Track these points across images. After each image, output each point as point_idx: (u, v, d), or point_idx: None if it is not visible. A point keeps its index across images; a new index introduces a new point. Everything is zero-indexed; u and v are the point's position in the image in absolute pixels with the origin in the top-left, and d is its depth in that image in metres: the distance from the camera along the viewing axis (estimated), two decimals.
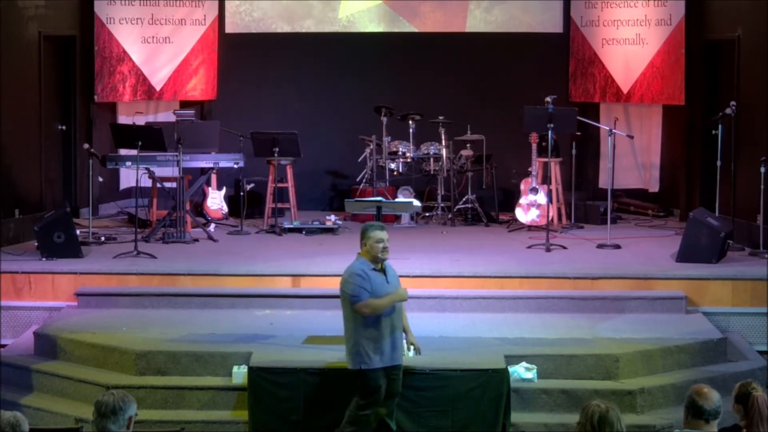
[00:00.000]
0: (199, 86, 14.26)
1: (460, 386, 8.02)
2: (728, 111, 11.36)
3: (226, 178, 13.20)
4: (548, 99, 11.97)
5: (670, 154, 13.75)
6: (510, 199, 13.55)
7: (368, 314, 7.35)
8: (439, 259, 10.69)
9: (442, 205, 13.27)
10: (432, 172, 13.23)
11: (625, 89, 13.76)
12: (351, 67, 14.48)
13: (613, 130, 11.94)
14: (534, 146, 12.53)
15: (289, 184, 12.73)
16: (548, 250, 11.21)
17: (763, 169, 10.77)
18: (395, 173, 13.26)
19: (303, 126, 13.31)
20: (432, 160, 13.13)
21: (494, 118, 13.74)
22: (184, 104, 14.18)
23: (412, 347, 7.86)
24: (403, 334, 7.74)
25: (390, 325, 7.44)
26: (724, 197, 11.54)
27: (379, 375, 7.47)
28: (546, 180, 12.54)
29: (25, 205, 11.89)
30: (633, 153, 13.95)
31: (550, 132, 11.92)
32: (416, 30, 14.54)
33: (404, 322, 7.73)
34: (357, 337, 7.44)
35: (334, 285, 9.95)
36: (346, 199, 9.30)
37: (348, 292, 7.40)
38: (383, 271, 7.51)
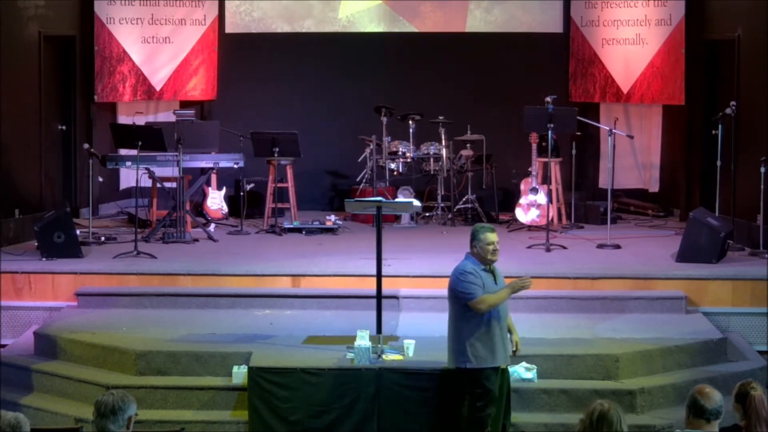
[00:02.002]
0: (199, 86, 14.26)
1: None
2: (728, 111, 11.36)
3: (226, 178, 13.19)
4: (548, 99, 11.97)
5: (670, 154, 13.74)
6: (510, 199, 13.54)
7: (484, 310, 7.29)
8: (439, 259, 10.68)
9: (442, 205, 13.26)
10: (432, 172, 13.23)
11: (625, 89, 13.76)
12: (351, 67, 14.48)
13: (613, 130, 11.94)
14: (534, 146, 12.52)
15: (289, 184, 12.73)
16: (548, 250, 11.21)
17: (763, 169, 10.77)
18: (395, 173, 13.25)
19: (303, 126, 13.31)
20: (432, 160, 13.13)
21: (494, 118, 13.74)
22: (184, 104, 14.17)
23: (515, 344, 7.70)
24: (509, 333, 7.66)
25: (498, 325, 7.38)
26: (724, 197, 11.54)
27: (488, 374, 7.39)
28: (546, 180, 12.54)
29: (25, 205, 11.89)
30: (633, 153, 13.95)
31: (550, 132, 11.92)
32: (416, 30, 14.54)
33: (509, 321, 7.65)
34: (465, 336, 7.37)
35: (334, 285, 10.06)
36: (346, 199, 9.27)
37: (460, 290, 7.33)
38: (492, 272, 7.45)
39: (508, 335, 7.61)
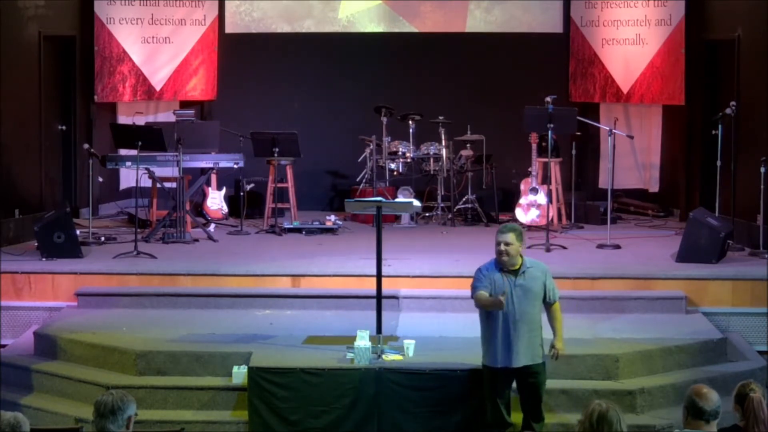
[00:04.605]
0: (199, 86, 14.26)
1: (460, 386, 8.02)
2: (728, 111, 11.36)
3: (226, 178, 13.19)
4: (548, 99, 11.96)
5: (670, 154, 13.74)
6: (510, 199, 13.54)
7: (479, 305, 7.45)
8: (439, 259, 10.69)
9: (442, 205, 13.26)
10: (432, 172, 13.22)
11: (625, 89, 13.76)
12: (351, 67, 14.48)
13: (613, 130, 11.94)
14: (534, 146, 12.53)
15: (289, 184, 12.73)
16: (548, 250, 11.20)
17: (763, 169, 10.77)
18: (395, 173, 13.25)
19: (303, 126, 13.31)
20: (432, 160, 13.12)
21: (494, 118, 13.74)
22: (184, 104, 14.17)
23: (553, 351, 7.63)
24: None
25: (502, 326, 7.39)
26: (724, 197, 11.54)
27: (492, 374, 7.51)
28: (546, 180, 12.54)
29: (25, 205, 11.89)
30: (633, 153, 13.94)
31: (550, 132, 11.92)
32: (416, 30, 14.54)
33: (556, 325, 7.61)
34: (481, 333, 7.58)
35: (334, 285, 10.06)
36: (346, 199, 9.27)
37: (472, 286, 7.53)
38: (517, 274, 7.39)
39: (534, 338, 7.50)
